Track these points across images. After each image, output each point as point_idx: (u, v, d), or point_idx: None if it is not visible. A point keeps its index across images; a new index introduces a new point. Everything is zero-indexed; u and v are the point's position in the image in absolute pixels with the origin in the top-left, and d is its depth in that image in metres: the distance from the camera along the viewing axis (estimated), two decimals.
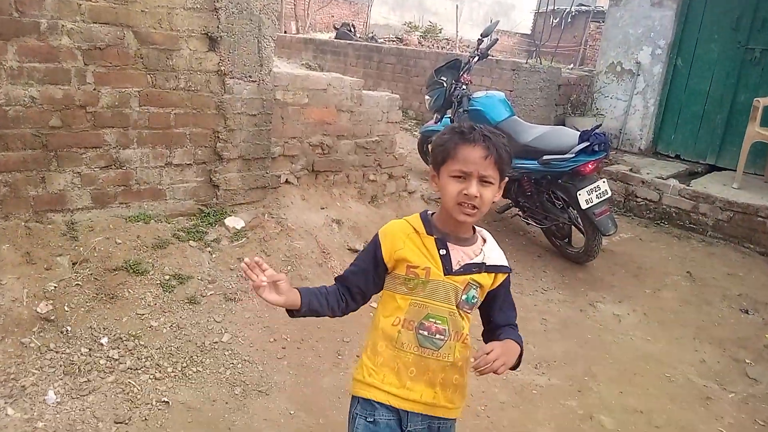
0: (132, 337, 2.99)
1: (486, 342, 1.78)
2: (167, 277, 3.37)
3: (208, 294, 3.41)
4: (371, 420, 1.69)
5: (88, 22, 3.26)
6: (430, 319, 1.67)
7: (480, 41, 5.36)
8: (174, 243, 3.59)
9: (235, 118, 3.94)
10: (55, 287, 3.04)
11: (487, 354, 1.57)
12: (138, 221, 3.59)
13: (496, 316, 1.80)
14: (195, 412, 2.71)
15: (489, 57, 5.76)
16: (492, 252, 1.72)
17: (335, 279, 1.82)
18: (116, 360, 2.85)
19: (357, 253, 4.06)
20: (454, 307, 1.67)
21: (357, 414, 1.73)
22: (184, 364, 2.95)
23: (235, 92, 3.89)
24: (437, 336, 1.68)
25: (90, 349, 2.86)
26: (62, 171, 3.32)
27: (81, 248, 3.27)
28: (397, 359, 1.69)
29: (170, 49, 3.58)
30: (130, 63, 3.45)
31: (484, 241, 1.74)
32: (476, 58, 5.31)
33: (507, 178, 1.69)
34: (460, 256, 1.67)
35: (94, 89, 3.36)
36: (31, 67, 3.14)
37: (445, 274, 1.65)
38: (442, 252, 1.65)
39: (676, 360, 3.76)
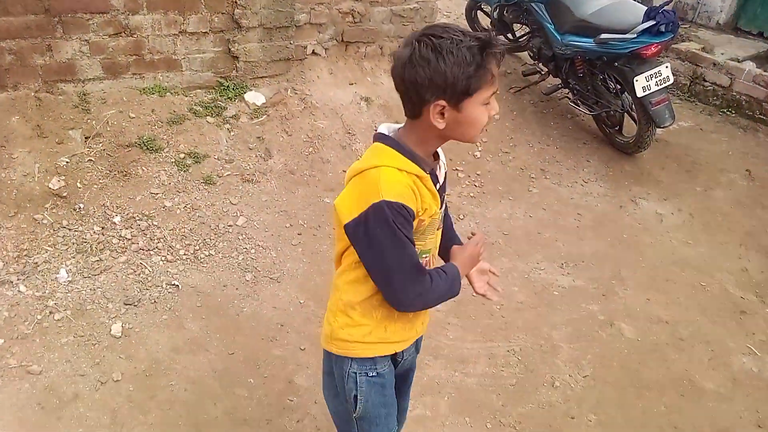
0: (145, 217, 2.96)
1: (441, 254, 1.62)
2: (182, 155, 3.27)
3: (225, 174, 3.31)
4: (374, 374, 1.54)
5: None
6: (423, 256, 1.47)
7: None
8: (190, 118, 3.44)
9: None
10: (67, 162, 2.98)
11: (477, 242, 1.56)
12: (152, 94, 3.43)
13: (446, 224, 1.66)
14: (204, 297, 2.73)
15: None
16: (442, 158, 1.50)
17: (412, 265, 1.39)
18: (128, 240, 2.85)
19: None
20: (439, 233, 1.53)
21: (355, 372, 1.53)
22: (197, 247, 2.93)
23: None
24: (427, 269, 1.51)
25: (103, 228, 2.85)
26: (69, 38, 3.13)
27: (93, 122, 3.17)
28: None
29: None
30: None
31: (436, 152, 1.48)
32: None
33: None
34: (441, 175, 1.48)
35: None
36: None
37: (440, 207, 1.46)
38: (438, 186, 1.43)
39: (714, 267, 3.52)
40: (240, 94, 3.70)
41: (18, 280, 2.53)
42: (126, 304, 2.58)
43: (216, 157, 3.36)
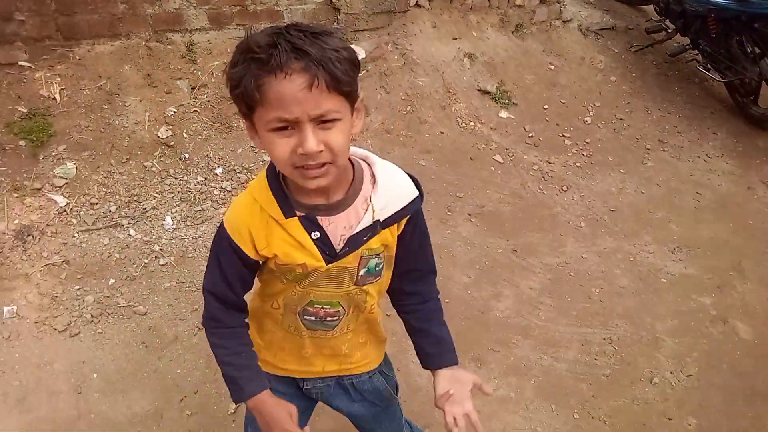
0: (245, 170, 3.01)
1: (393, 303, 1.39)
2: None
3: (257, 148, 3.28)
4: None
5: None
6: (315, 306, 1.27)
7: None
8: None
9: None
10: (174, 112, 3.07)
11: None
12: None
13: (410, 273, 1.33)
14: None
15: None
16: (386, 198, 1.18)
17: (211, 292, 1.26)
18: (229, 192, 2.92)
19: (489, 94, 3.37)
20: (353, 287, 1.24)
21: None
22: None
23: None
24: (327, 319, 1.30)
25: (205, 179, 2.94)
26: None
27: (199, 72, 3.22)
28: (286, 340, 1.35)
29: None
30: None
31: (373, 181, 1.18)
32: None
33: (361, 97, 1.09)
34: (341, 228, 1.17)
35: None
36: None
37: (328, 263, 1.18)
38: (315, 235, 1.15)
39: None
40: None
41: (128, 224, 2.67)
42: None
43: None
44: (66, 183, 2.74)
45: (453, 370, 1.34)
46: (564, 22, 4.48)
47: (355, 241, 1.17)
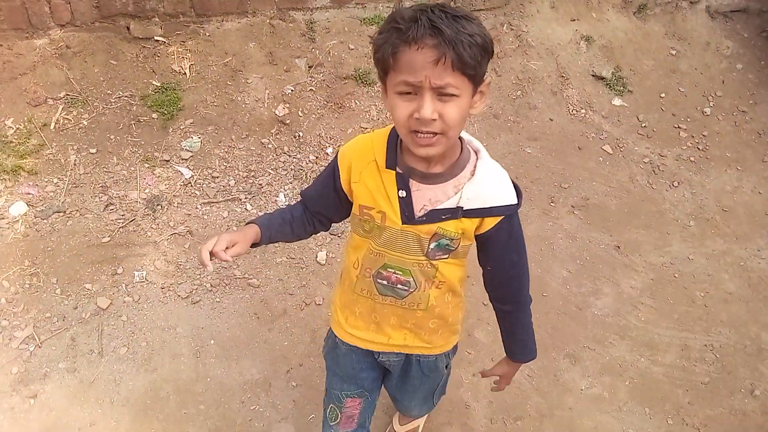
0: None
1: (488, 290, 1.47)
2: None
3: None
4: (337, 341, 1.58)
5: None
6: (389, 269, 1.36)
7: None
8: None
9: None
10: (292, 90, 3.21)
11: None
12: (372, 24, 3.48)
13: (493, 275, 1.41)
14: None
15: None
16: (477, 191, 1.25)
17: (300, 195, 1.51)
18: None
19: (604, 80, 3.36)
20: (423, 257, 1.33)
21: (330, 331, 1.65)
22: None
23: None
24: (398, 286, 1.38)
25: (317, 157, 3.08)
26: None
27: (317, 51, 3.33)
28: (357, 304, 1.47)
29: None
30: None
31: (473, 172, 1.26)
32: None
33: (487, 80, 1.16)
34: (426, 198, 1.26)
35: None
36: None
37: (403, 223, 1.28)
38: (402, 193, 1.26)
39: None
40: None
41: (245, 198, 2.87)
42: (331, 234, 2.80)
43: None
44: (191, 156, 2.96)
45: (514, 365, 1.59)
46: (691, 2, 4.19)
47: (433, 216, 1.27)
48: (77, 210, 2.69)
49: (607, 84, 3.69)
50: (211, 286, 2.54)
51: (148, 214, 2.73)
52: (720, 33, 4.17)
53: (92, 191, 2.76)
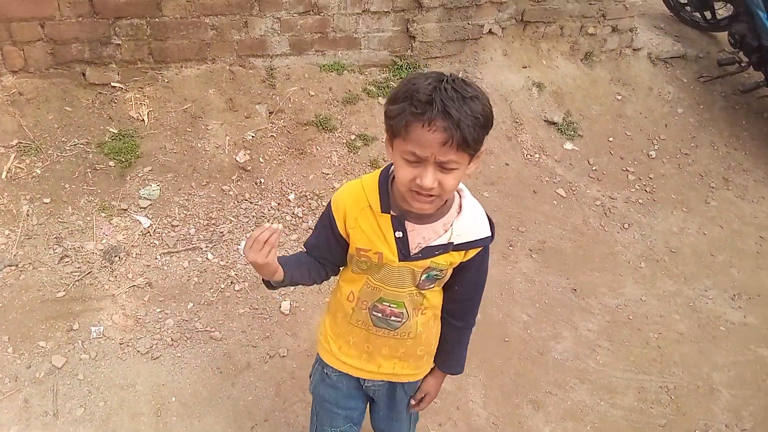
0: (315, 197, 3.13)
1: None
2: (353, 137, 3.38)
3: (389, 160, 3.37)
4: (325, 371, 1.68)
5: None
6: (384, 303, 1.49)
7: None
8: (363, 99, 3.52)
9: None
10: (252, 136, 3.21)
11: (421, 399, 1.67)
12: (332, 71, 3.54)
13: (459, 295, 1.54)
14: None
15: None
16: (465, 226, 1.40)
17: (304, 246, 1.57)
18: (300, 218, 3.05)
19: (556, 125, 3.49)
20: (413, 288, 1.46)
21: (316, 365, 1.74)
22: None
23: None
24: (392, 318, 1.51)
25: (279, 204, 3.07)
26: (263, 16, 3.29)
27: (277, 97, 3.35)
28: (351, 334, 1.58)
29: None
30: None
31: (459, 210, 1.40)
32: None
33: (482, 150, 1.27)
34: (420, 237, 1.39)
35: None
36: None
37: (400, 260, 1.41)
38: (398, 234, 1.38)
39: None
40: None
41: (206, 247, 2.83)
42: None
43: (383, 140, 3.43)
44: (150, 204, 2.91)
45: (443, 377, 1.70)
46: (634, 50, 4.44)
47: (427, 252, 1.40)
48: (30, 263, 2.59)
49: (559, 129, 3.84)
50: (172, 340, 2.48)
51: (105, 266, 2.66)
52: (662, 78, 4.42)
53: (46, 243, 2.67)
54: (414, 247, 1.39)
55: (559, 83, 4.04)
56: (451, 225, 1.38)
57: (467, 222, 1.40)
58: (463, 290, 1.53)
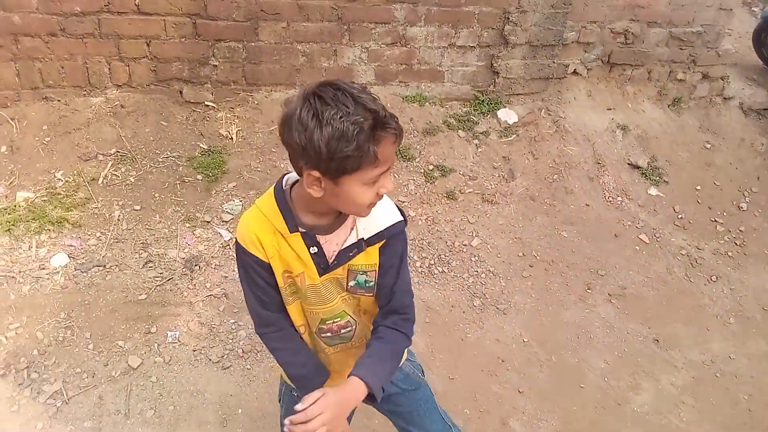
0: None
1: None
2: (431, 167, 3.38)
3: (467, 191, 3.35)
4: (297, 395, 1.51)
5: None
6: (327, 322, 1.41)
7: None
8: (443, 130, 3.53)
9: None
10: None
11: (305, 410, 1.16)
12: (414, 102, 3.58)
13: (382, 286, 1.37)
14: (433, 313, 2.82)
15: None
16: (367, 219, 1.30)
17: (259, 320, 1.42)
18: None
19: (640, 169, 3.38)
20: (345, 293, 1.38)
21: (284, 390, 1.64)
22: (432, 262, 3.03)
23: None
24: (342, 331, 1.44)
25: None
26: (352, 45, 3.39)
27: None
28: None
29: None
30: None
31: None
32: None
33: None
34: (333, 245, 1.32)
35: None
36: None
37: (321, 275, 1.33)
38: (314, 250, 1.30)
39: None
40: (493, 110, 3.69)
41: None
42: None
43: (461, 172, 3.42)
44: (232, 219, 2.99)
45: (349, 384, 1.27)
46: (725, 99, 4.28)
47: (343, 256, 1.32)
48: (117, 265, 2.70)
49: (643, 173, 3.72)
50: (243, 351, 2.50)
51: (185, 274, 2.73)
52: (754, 130, 4.23)
53: (133, 247, 2.78)
54: (330, 257, 1.32)
55: (644, 127, 3.92)
56: (355, 222, 1.31)
57: (370, 214, 1.29)
58: (386, 279, 1.36)
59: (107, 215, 2.87)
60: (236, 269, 2.73)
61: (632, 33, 3.89)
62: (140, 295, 2.61)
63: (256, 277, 1.34)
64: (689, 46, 4.05)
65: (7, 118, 3.04)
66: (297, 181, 1.29)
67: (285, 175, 1.34)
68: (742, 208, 3.75)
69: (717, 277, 3.30)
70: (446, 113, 3.63)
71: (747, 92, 4.41)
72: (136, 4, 3.01)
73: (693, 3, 3.91)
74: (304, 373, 1.41)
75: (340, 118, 1.09)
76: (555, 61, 3.77)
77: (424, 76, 3.60)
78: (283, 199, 1.29)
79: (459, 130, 3.55)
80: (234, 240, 1.38)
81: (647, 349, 2.84)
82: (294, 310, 1.41)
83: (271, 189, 1.32)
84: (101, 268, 2.67)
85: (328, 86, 1.12)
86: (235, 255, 1.37)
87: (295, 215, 1.28)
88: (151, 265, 2.73)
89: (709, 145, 4.02)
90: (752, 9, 5.97)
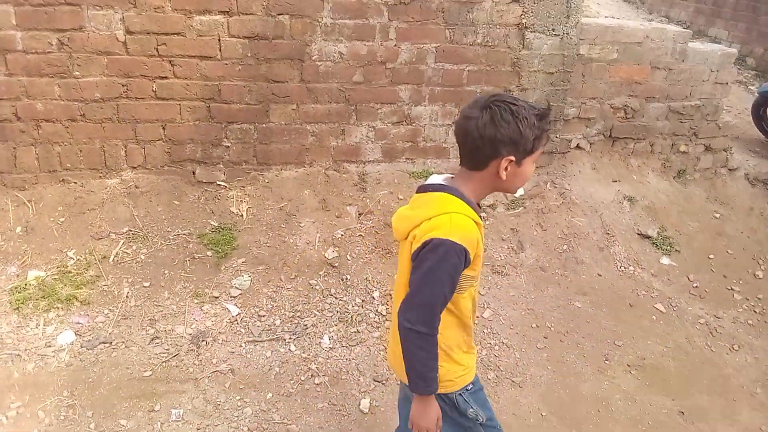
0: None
1: None
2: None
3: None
4: (474, 389, 1.73)
5: None
6: (475, 284, 1.64)
7: None
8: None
9: (530, 76, 3.64)
10: (342, 235, 3.29)
11: None
12: (421, 178, 3.65)
13: None
14: None
15: None
16: None
17: (436, 308, 1.53)
18: (383, 316, 3.00)
19: (650, 239, 3.58)
20: None
21: (461, 395, 1.70)
22: None
23: (534, 47, 3.57)
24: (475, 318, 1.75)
25: (363, 301, 3.06)
26: (359, 125, 3.51)
27: (367, 200, 3.47)
28: (473, 348, 1.74)
29: (472, 1, 3.41)
30: (431, 18, 3.39)
31: None
32: None
33: None
34: None
35: (395, 45, 3.40)
36: (342, 24, 3.29)
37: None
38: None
39: None
40: None
41: (290, 338, 2.82)
42: (375, 381, 2.69)
43: None
44: (240, 294, 2.98)
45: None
46: (730, 170, 4.32)
47: None
48: (123, 342, 2.67)
49: (654, 243, 3.69)
50: (248, 430, 2.41)
51: (192, 350, 2.69)
52: (762, 199, 4.23)
53: (140, 324, 2.76)
54: None
55: (651, 198, 3.94)
56: None
57: None
58: None
59: (116, 292, 2.87)
60: (243, 345, 2.69)
61: (632, 108, 4.00)
62: (145, 371, 2.56)
63: (457, 277, 1.50)
64: (689, 119, 4.15)
65: (24, 200, 3.13)
66: (451, 179, 1.58)
67: (433, 183, 1.58)
68: (758, 276, 3.68)
69: (739, 346, 3.19)
70: None
71: (751, 163, 4.46)
72: (153, 90, 3.17)
73: (689, 78, 4.04)
74: (434, 376, 1.56)
75: (526, 111, 1.47)
76: (558, 136, 3.86)
77: (429, 152, 3.69)
78: (464, 197, 1.52)
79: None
80: (442, 243, 1.44)
81: (672, 421, 2.70)
82: (468, 297, 1.60)
83: (449, 197, 1.51)
84: (107, 345, 2.64)
85: (499, 95, 1.50)
86: (441, 258, 1.45)
87: (476, 206, 1.55)
88: (157, 341, 2.70)
89: (718, 215, 4.02)
90: (748, 87, 6.16)
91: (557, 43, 3.60)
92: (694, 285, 3.54)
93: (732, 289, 3.57)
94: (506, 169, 1.49)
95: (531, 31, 3.54)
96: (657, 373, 2.95)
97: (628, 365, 2.96)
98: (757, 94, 5.05)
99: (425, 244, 1.45)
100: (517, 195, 3.70)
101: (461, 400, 1.69)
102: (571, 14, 3.57)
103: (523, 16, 3.50)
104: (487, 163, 1.50)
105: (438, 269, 1.45)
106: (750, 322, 3.38)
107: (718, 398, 2.87)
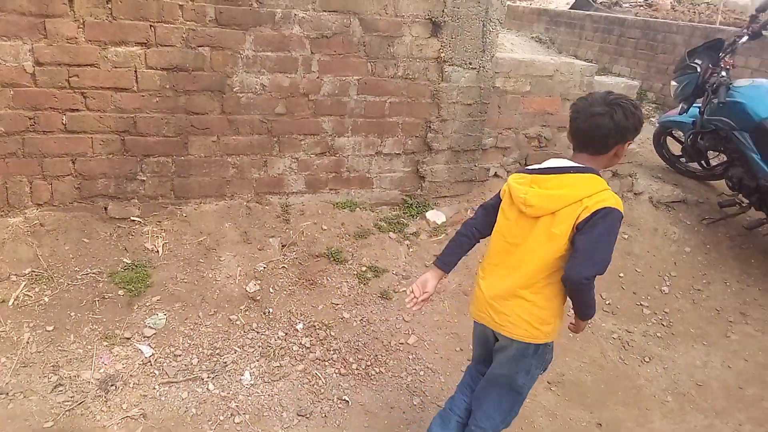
0: (324, 327, 3.06)
1: None
2: (364, 269, 3.39)
3: (401, 290, 3.35)
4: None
5: (318, 10, 3.32)
6: None
7: (754, 18, 4.36)
8: (374, 233, 3.59)
9: (450, 107, 3.77)
10: (264, 268, 3.23)
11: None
12: (344, 208, 3.66)
13: None
14: (372, 417, 2.69)
15: (763, 35, 4.68)
16: None
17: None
18: (307, 348, 2.95)
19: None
20: None
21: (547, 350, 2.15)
22: (368, 363, 2.94)
23: (453, 80, 3.71)
24: None
25: (286, 334, 3.00)
26: (282, 156, 3.50)
27: (291, 231, 3.44)
28: None
29: (392, 35, 3.51)
30: (352, 51, 3.46)
31: None
32: (745, 38, 4.34)
33: None
34: None
35: (318, 77, 3.44)
36: (264, 56, 3.30)
37: None
38: None
39: None
40: (422, 212, 3.82)
41: (208, 377, 2.71)
42: (299, 415, 2.62)
43: (394, 272, 3.44)
44: (154, 333, 2.85)
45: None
46: (636, 194, 4.60)
47: None
48: (22, 392, 2.47)
49: None
50: None
51: (99, 396, 2.53)
52: (665, 220, 4.51)
53: (42, 371, 2.57)
54: None
55: None
56: None
57: None
58: None
59: (15, 338, 2.68)
60: (157, 387, 2.57)
61: (545, 137, 4.21)
62: (46, 422, 2.37)
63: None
64: None
65: None
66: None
67: (565, 168, 1.91)
68: (664, 292, 3.90)
69: (650, 358, 3.35)
70: (377, 217, 3.71)
71: (654, 187, 4.76)
72: (63, 123, 3.04)
73: None
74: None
75: (637, 105, 1.89)
76: (476, 165, 3.99)
77: (353, 183, 3.72)
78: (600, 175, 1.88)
79: (390, 232, 3.63)
80: (613, 212, 1.81)
81: None
82: None
83: (596, 177, 1.86)
84: (3, 396, 2.44)
85: (614, 93, 1.88)
86: (613, 222, 1.82)
87: None
88: (60, 388, 2.52)
89: (626, 236, 4.25)
90: (650, 119, 6.63)
91: (474, 76, 3.76)
92: (607, 302, 3.70)
93: (641, 304, 3.76)
94: (624, 153, 1.91)
95: (449, 65, 3.68)
96: (575, 388, 3.04)
97: (549, 382, 3.04)
98: (657, 125, 5.43)
99: (596, 213, 1.78)
100: (438, 222, 3.78)
101: (548, 350, 2.13)
102: (487, 49, 3.74)
103: (441, 50, 3.63)
104: (612, 147, 1.86)
105: (611, 232, 1.82)
106: (659, 334, 3.56)
107: (632, 408, 2.99)
